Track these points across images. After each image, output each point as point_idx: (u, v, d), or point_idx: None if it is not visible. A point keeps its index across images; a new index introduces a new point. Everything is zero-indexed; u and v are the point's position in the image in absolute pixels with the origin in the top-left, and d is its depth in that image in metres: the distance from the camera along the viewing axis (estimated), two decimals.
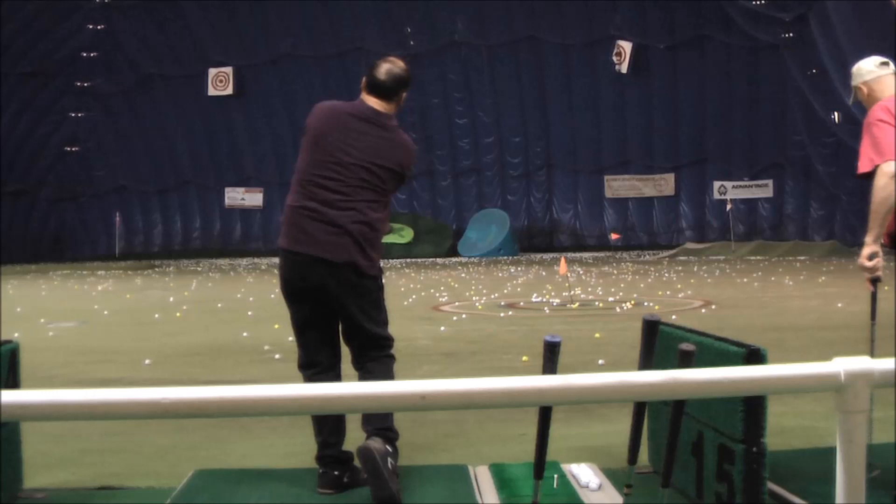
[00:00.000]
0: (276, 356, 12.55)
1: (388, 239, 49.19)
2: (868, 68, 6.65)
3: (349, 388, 2.68)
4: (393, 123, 6.53)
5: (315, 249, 6.33)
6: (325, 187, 6.33)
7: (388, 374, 6.43)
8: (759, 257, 43.21)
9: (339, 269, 6.29)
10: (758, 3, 44.59)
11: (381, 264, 6.55)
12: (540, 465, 4.07)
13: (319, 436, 6.30)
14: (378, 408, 2.69)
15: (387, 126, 6.49)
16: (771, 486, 5.49)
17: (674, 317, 16.12)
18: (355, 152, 6.36)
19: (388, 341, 6.52)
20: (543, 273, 33.95)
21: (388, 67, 6.61)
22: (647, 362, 3.80)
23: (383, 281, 6.62)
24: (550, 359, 3.60)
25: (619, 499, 5.78)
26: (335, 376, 6.49)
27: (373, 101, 6.52)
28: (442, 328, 16.48)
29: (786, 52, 46.00)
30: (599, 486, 6.24)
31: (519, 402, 2.80)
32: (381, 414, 6.18)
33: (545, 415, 3.95)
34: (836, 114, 43.64)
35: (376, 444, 5.96)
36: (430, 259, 50.23)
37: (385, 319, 6.56)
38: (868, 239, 6.38)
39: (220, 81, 57.34)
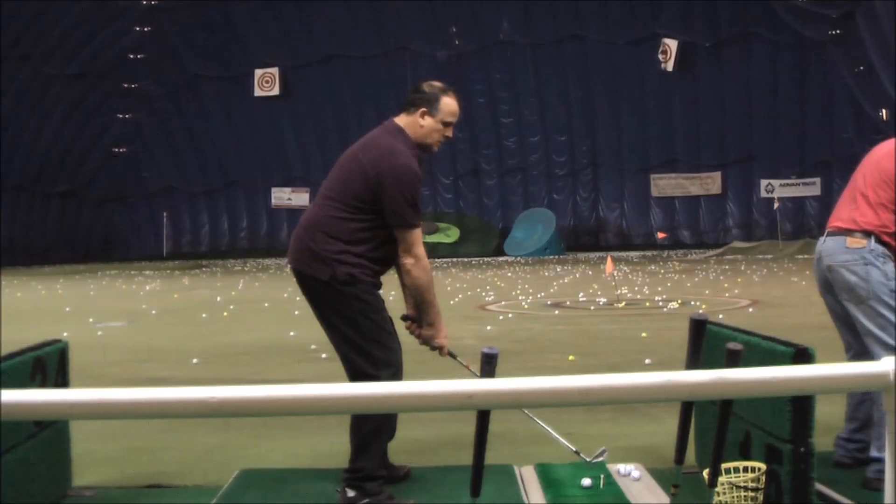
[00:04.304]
0: (323, 355, 12.57)
1: (434, 238, 49.44)
2: None
3: (395, 387, 2.68)
4: (393, 128, 6.30)
5: (289, 258, 6.34)
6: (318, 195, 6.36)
7: (357, 435, 6.15)
8: (806, 256, 42.83)
9: (299, 277, 6.27)
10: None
11: (365, 270, 6.12)
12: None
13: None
14: (426, 407, 2.69)
15: (387, 128, 6.34)
16: (819, 486, 5.46)
17: (721, 316, 16.04)
18: (342, 159, 6.34)
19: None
20: (590, 272, 33.87)
21: (419, 84, 6.43)
22: (694, 362, 3.78)
23: (374, 293, 6.19)
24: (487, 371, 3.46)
25: (666, 499, 5.76)
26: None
27: (398, 116, 6.39)
28: (488, 327, 16.48)
29: (833, 49, 45.69)
30: (639, 477, 6.28)
31: (566, 402, 2.80)
32: (352, 446, 6.14)
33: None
34: (883, 111, 43.26)
35: (340, 499, 6.03)
36: (477, 258, 50.20)
37: (372, 350, 6.08)
38: None
39: (266, 82, 57.58)
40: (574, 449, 6.31)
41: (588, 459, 6.24)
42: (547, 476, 6.43)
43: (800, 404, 4.81)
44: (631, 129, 55.42)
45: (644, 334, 14.73)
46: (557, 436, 6.43)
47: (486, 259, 49.53)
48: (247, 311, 21.13)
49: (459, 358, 6.43)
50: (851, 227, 6.37)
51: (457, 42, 54.55)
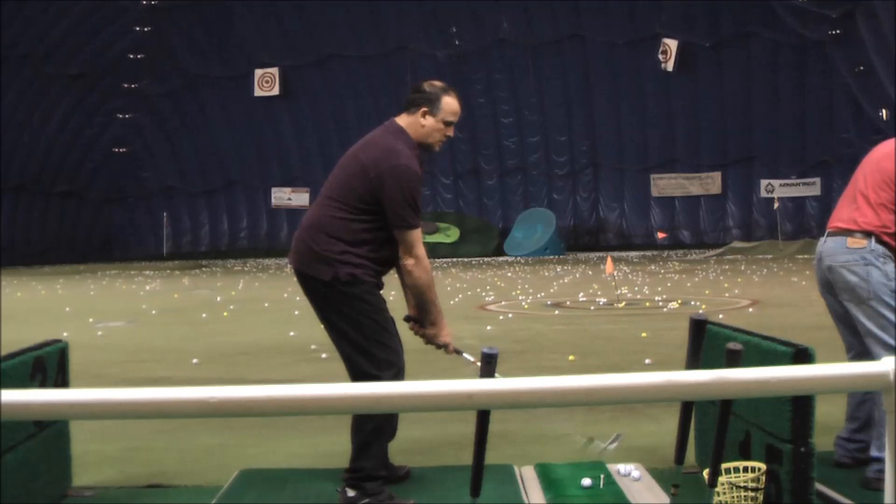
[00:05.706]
0: (323, 355, 12.56)
1: (434, 238, 49.43)
2: None
3: (396, 387, 2.68)
4: (394, 129, 6.27)
5: (291, 258, 6.33)
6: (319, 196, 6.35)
7: (358, 435, 6.14)
8: (806, 256, 42.80)
9: (301, 278, 6.25)
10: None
11: (364, 269, 6.09)
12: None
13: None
14: (426, 407, 2.68)
15: (388, 128, 6.31)
16: (819, 486, 5.45)
17: (721, 316, 16.04)
18: (343, 159, 6.32)
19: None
20: (590, 272, 33.84)
21: (420, 84, 6.42)
22: (694, 362, 3.78)
23: (376, 294, 6.17)
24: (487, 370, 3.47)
25: (666, 499, 5.76)
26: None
27: (399, 116, 6.37)
28: (488, 327, 16.46)
29: (832, 49, 45.70)
30: (639, 477, 6.27)
31: (566, 402, 2.79)
32: (353, 446, 6.14)
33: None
34: (883, 111, 43.27)
35: (340, 499, 6.02)
36: (477, 258, 50.20)
37: (374, 350, 6.07)
38: None
39: (266, 82, 57.57)
40: (588, 437, 6.31)
41: (603, 445, 6.24)
42: (547, 476, 6.43)
43: (800, 404, 4.81)
44: (631, 129, 55.42)
45: (644, 334, 14.72)
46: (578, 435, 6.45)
47: (486, 259, 49.52)
48: (247, 311, 21.11)
49: (465, 354, 6.39)
50: (852, 228, 6.36)
51: (457, 42, 54.58)
